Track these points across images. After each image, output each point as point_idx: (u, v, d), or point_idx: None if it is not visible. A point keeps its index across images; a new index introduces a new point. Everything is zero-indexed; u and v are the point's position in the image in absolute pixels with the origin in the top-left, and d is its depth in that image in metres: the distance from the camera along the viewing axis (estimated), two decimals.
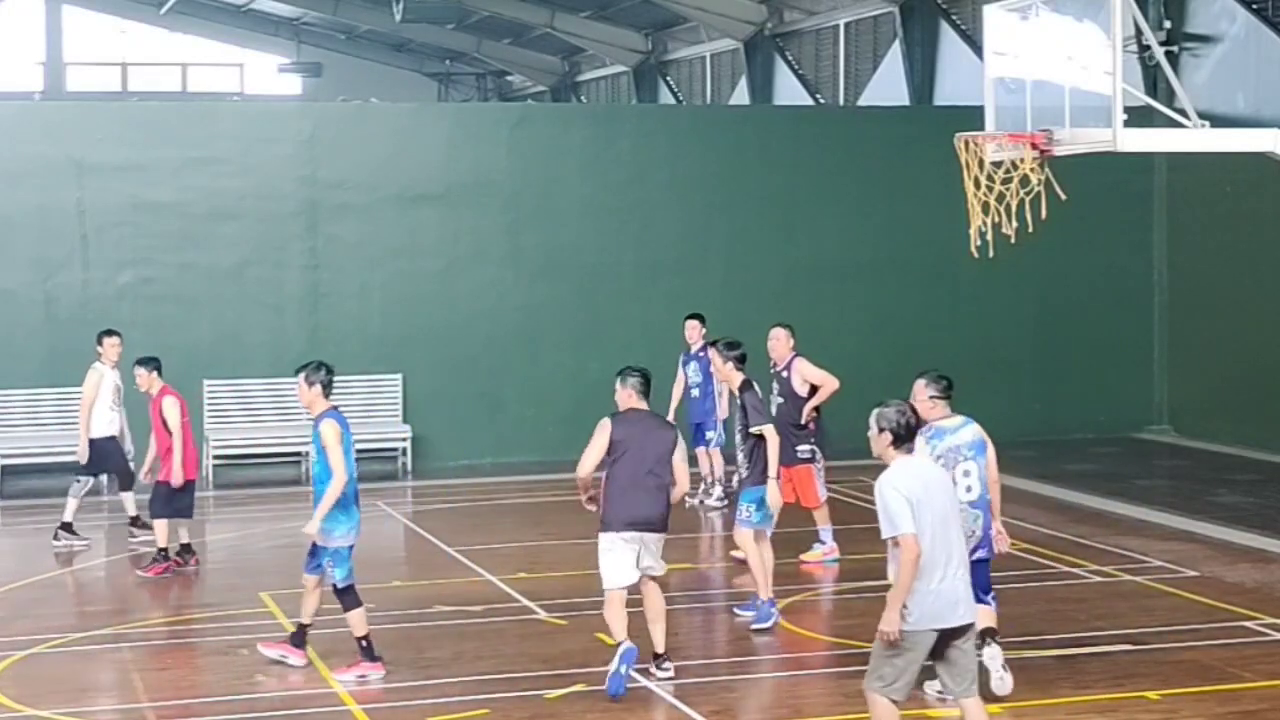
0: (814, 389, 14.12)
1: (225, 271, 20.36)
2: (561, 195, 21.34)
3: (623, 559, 10.71)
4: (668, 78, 38.98)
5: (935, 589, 8.30)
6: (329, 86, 44.10)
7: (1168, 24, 21.56)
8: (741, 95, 33.97)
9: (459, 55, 46.88)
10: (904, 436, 8.56)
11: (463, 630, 12.36)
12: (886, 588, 8.44)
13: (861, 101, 29.64)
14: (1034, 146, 12.58)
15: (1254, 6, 20.96)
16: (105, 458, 16.11)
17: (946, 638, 8.36)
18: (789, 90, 32.40)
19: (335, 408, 11.28)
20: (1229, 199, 21.06)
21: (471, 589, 13.75)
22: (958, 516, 8.61)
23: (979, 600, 10.71)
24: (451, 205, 21.02)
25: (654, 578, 10.93)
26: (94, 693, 10.88)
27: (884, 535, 8.36)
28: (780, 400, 14.15)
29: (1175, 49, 21.43)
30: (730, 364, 12.65)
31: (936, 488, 8.50)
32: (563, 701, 10.43)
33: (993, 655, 10.41)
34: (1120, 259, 22.52)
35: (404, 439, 20.18)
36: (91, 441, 15.93)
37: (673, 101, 38.25)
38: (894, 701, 8.35)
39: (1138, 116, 12.97)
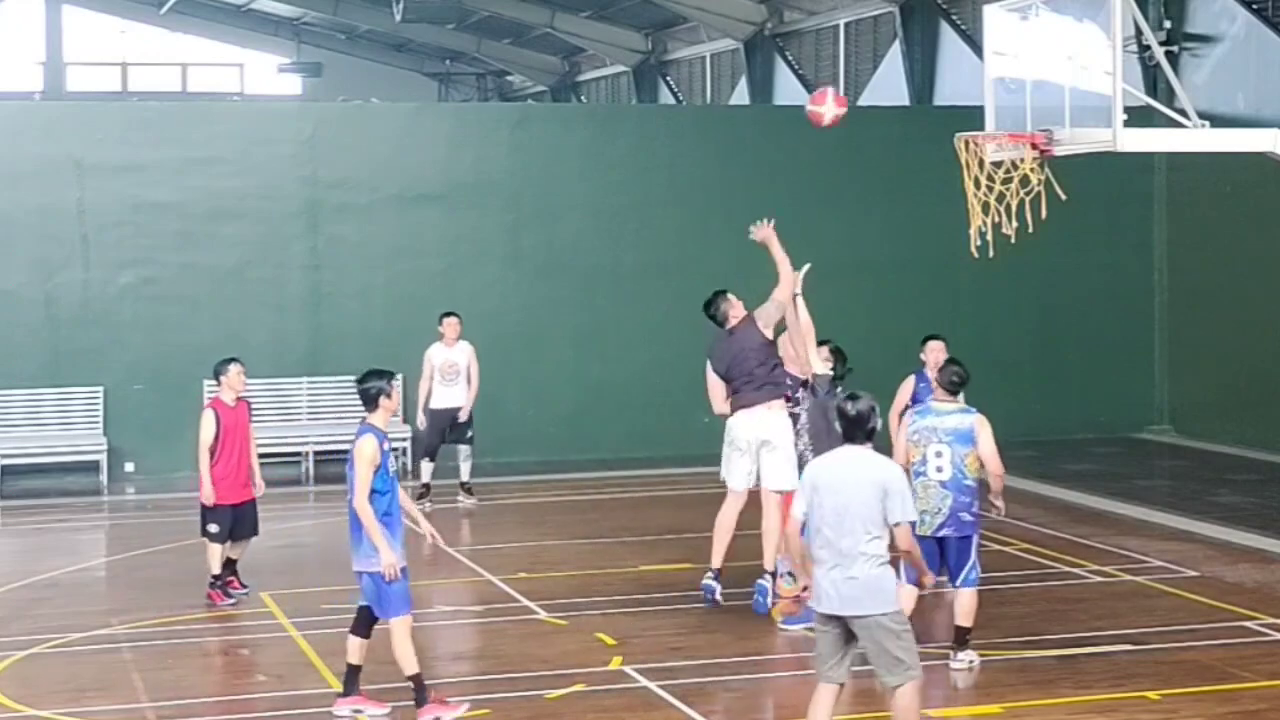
0: None
1: (226, 272, 20.37)
2: (562, 195, 21.38)
3: None
4: (668, 78, 39.06)
5: (817, 577, 8.70)
6: (329, 86, 44.13)
7: (1168, 24, 21.59)
8: (741, 95, 34.04)
9: (459, 55, 46.94)
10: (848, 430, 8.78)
11: (462, 630, 12.44)
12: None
13: (861, 101, 29.59)
14: (1034, 146, 12.58)
15: (1254, 6, 21.00)
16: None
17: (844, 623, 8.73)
18: (789, 90, 32.45)
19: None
20: (1229, 199, 21.08)
21: (472, 589, 13.80)
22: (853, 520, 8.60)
23: (951, 583, 11.02)
24: (452, 205, 21.05)
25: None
26: (94, 693, 10.82)
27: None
28: None
29: (1175, 49, 21.46)
30: None
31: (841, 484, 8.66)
32: (563, 701, 10.45)
33: (960, 662, 10.82)
34: (1120, 259, 22.54)
35: (404, 439, 20.13)
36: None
37: (673, 101, 38.32)
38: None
39: (1138, 116, 12.99)
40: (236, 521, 13.48)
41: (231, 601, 13.28)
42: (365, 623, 10.29)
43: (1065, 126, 12.53)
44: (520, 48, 43.78)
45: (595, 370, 21.29)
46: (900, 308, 21.84)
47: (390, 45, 47.61)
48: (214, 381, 20.54)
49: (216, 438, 13.33)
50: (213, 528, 13.36)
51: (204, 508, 13.43)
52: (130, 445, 19.87)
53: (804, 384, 12.39)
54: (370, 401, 10.17)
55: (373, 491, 9.99)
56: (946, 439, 11.02)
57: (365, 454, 9.90)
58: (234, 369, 13.50)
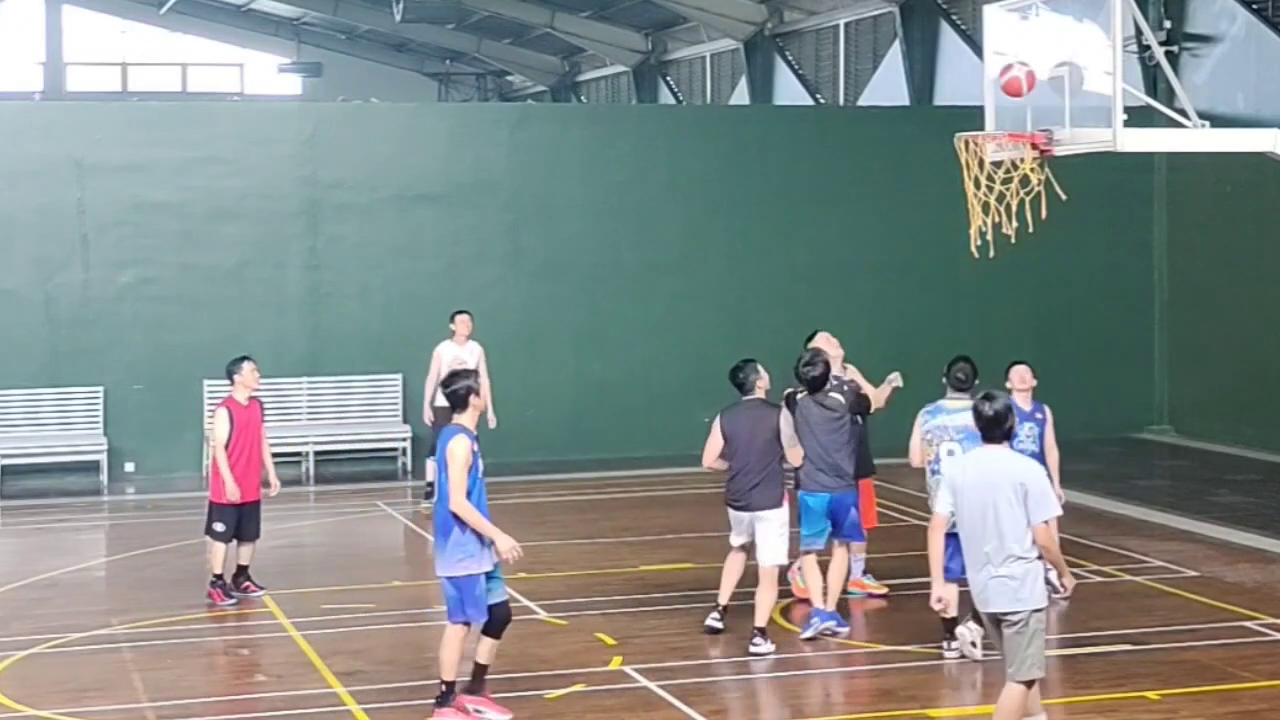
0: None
1: (226, 271, 20.41)
2: (562, 195, 21.40)
3: None
4: (668, 78, 39.07)
5: (969, 576, 8.86)
6: (329, 86, 44.14)
7: (1168, 24, 21.62)
8: (741, 95, 34.04)
9: (459, 55, 46.95)
10: None
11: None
12: (896, 588, 8.54)
13: (861, 101, 29.71)
14: (1034, 146, 12.56)
15: (1254, 6, 21.03)
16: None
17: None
18: (789, 90, 32.46)
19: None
20: (1229, 199, 21.10)
21: None
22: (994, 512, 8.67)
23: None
24: (452, 205, 21.08)
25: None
26: (94, 693, 10.84)
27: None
28: None
29: (1175, 49, 21.49)
30: None
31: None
32: (563, 701, 10.46)
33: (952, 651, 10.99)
34: (1120, 259, 22.58)
35: (404, 439, 20.26)
36: None
37: (673, 101, 38.34)
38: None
39: (1138, 116, 12.97)
40: (242, 521, 13.37)
41: (232, 602, 13.20)
42: (498, 623, 10.15)
43: (1065, 126, 12.50)
44: (520, 48, 43.81)
45: (595, 370, 21.31)
46: (900, 307, 21.92)
47: (390, 45, 47.63)
48: (221, 381, 20.56)
49: (230, 436, 13.25)
50: (219, 526, 13.27)
51: (213, 505, 13.35)
52: (130, 445, 19.90)
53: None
54: (460, 403, 10.08)
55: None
56: (957, 437, 11.12)
57: (458, 456, 9.83)
58: (247, 367, 13.49)
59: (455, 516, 9.80)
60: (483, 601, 9.93)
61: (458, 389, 10.08)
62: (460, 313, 17.51)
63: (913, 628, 11.85)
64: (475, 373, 10.51)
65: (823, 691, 10.83)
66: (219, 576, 13.27)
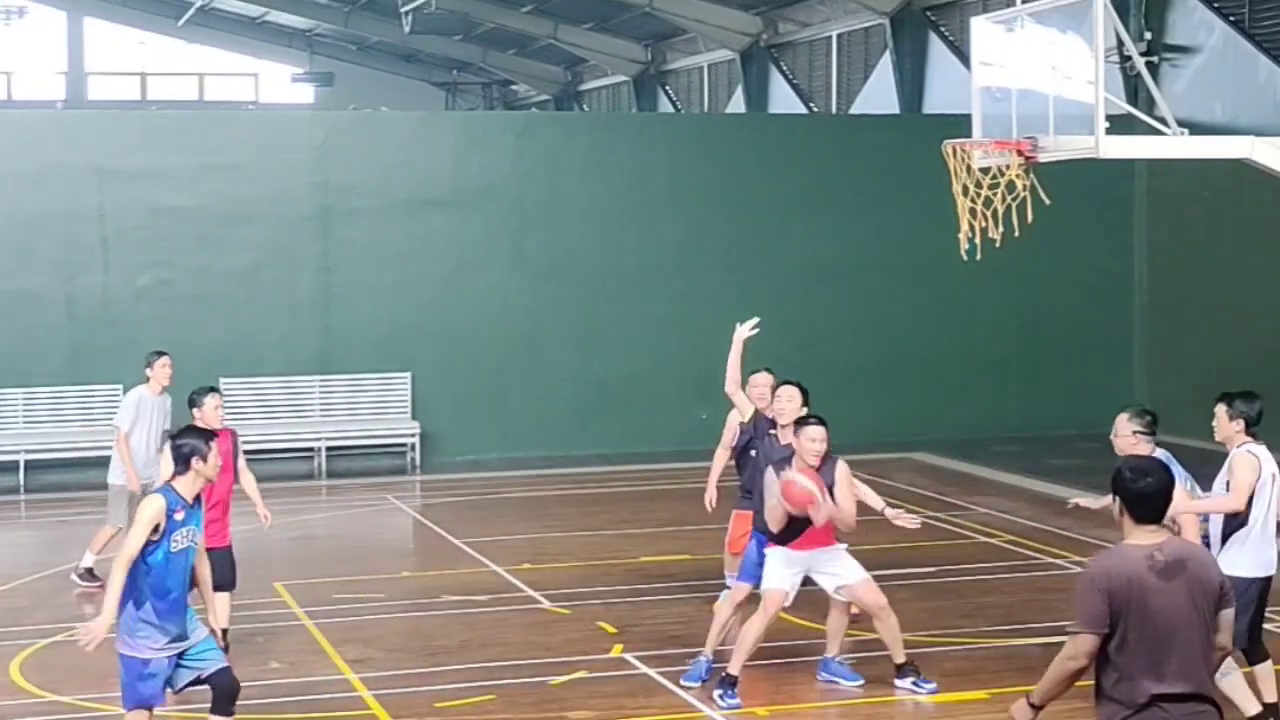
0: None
1: (240, 274, 20.53)
2: (565, 200, 21.50)
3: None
4: (666, 87, 38.92)
5: None
6: (340, 95, 43.99)
7: (1148, 35, 21.65)
8: (738, 104, 33.94)
9: (466, 65, 46.73)
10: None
11: (469, 619, 12.45)
12: (885, 579, 8.26)
13: (853, 110, 29.63)
14: (1019, 153, 12.46)
15: (1231, 19, 21.10)
16: None
17: None
18: (783, 99, 32.44)
19: None
20: (1207, 204, 21.17)
21: (478, 579, 13.80)
22: None
23: None
24: (459, 210, 21.18)
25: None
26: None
27: None
28: None
29: (1155, 59, 21.51)
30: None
31: None
32: (565, 687, 10.57)
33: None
34: (1102, 262, 22.66)
35: (413, 435, 20.40)
36: None
37: (671, 110, 38.20)
38: None
39: (1119, 124, 12.82)
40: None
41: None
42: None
43: (1049, 134, 12.42)
44: (525, 58, 43.58)
45: (597, 368, 21.40)
46: (891, 307, 22.00)
47: (400, 56, 47.40)
48: (237, 379, 19.78)
49: None
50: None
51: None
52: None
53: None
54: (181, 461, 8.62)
55: None
56: None
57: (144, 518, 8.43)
58: (210, 401, 11.37)
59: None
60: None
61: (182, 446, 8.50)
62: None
63: (902, 617, 11.69)
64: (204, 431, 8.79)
65: (816, 678, 10.77)
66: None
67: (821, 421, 10.24)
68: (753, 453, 11.27)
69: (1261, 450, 9.44)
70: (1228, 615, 6.11)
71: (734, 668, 10.29)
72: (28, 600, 13.45)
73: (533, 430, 21.11)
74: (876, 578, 11.68)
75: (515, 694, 10.47)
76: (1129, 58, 19.06)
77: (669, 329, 21.58)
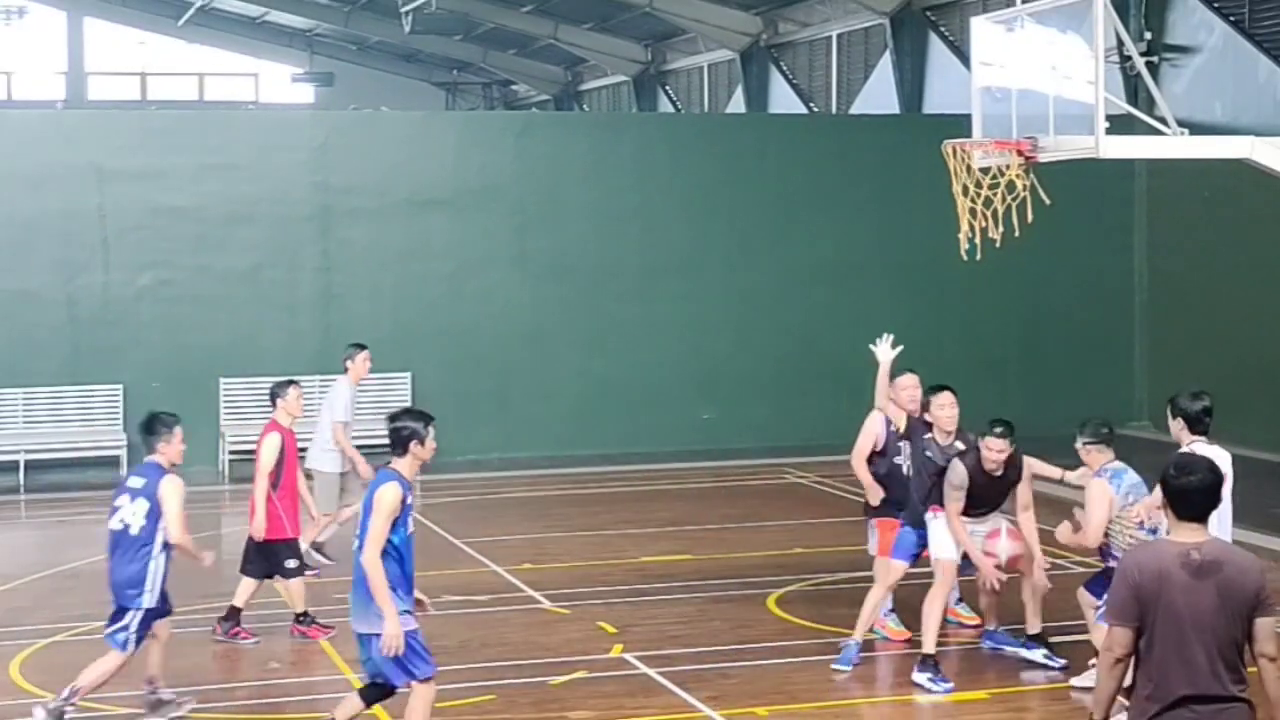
0: None
1: (241, 274, 20.56)
2: (566, 200, 21.54)
3: None
4: (667, 87, 38.97)
5: None
6: (341, 95, 44.03)
7: (1148, 35, 21.68)
8: (738, 104, 33.98)
9: (466, 65, 46.78)
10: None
11: (470, 619, 12.48)
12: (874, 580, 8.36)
13: (853, 110, 29.65)
14: (1019, 153, 12.52)
15: (1231, 19, 21.12)
16: None
17: None
18: (783, 99, 32.47)
19: None
20: (1207, 204, 21.18)
21: (479, 579, 13.86)
22: None
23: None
24: (459, 210, 21.21)
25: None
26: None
27: None
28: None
29: (1155, 59, 21.54)
30: None
31: None
32: (565, 687, 10.62)
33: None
34: (1102, 261, 22.70)
35: None
36: None
37: (672, 110, 38.26)
38: None
39: (1119, 124, 12.85)
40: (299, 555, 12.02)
41: (332, 634, 11.77)
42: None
43: (1049, 134, 12.47)
44: (525, 58, 43.63)
45: (598, 368, 21.42)
46: (892, 309, 21.97)
47: (400, 56, 47.44)
48: (237, 378, 19.83)
49: (280, 464, 11.96)
50: (291, 563, 11.95)
51: (276, 542, 11.93)
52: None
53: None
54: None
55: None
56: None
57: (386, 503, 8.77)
58: (293, 392, 12.24)
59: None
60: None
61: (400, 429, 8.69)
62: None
63: (904, 616, 11.90)
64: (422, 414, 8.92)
65: (816, 678, 10.84)
66: (304, 614, 11.96)
67: (949, 388, 11.01)
68: (896, 460, 11.57)
69: (1207, 449, 9.49)
70: (1266, 623, 6.06)
71: (929, 646, 10.63)
72: (28, 600, 13.50)
73: (534, 430, 21.13)
74: (873, 578, 11.68)
75: (515, 694, 10.50)
76: (1129, 58, 19.08)
77: (670, 329, 21.62)
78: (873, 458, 11.81)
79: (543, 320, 21.38)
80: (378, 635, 8.54)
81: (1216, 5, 21.39)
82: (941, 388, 11.27)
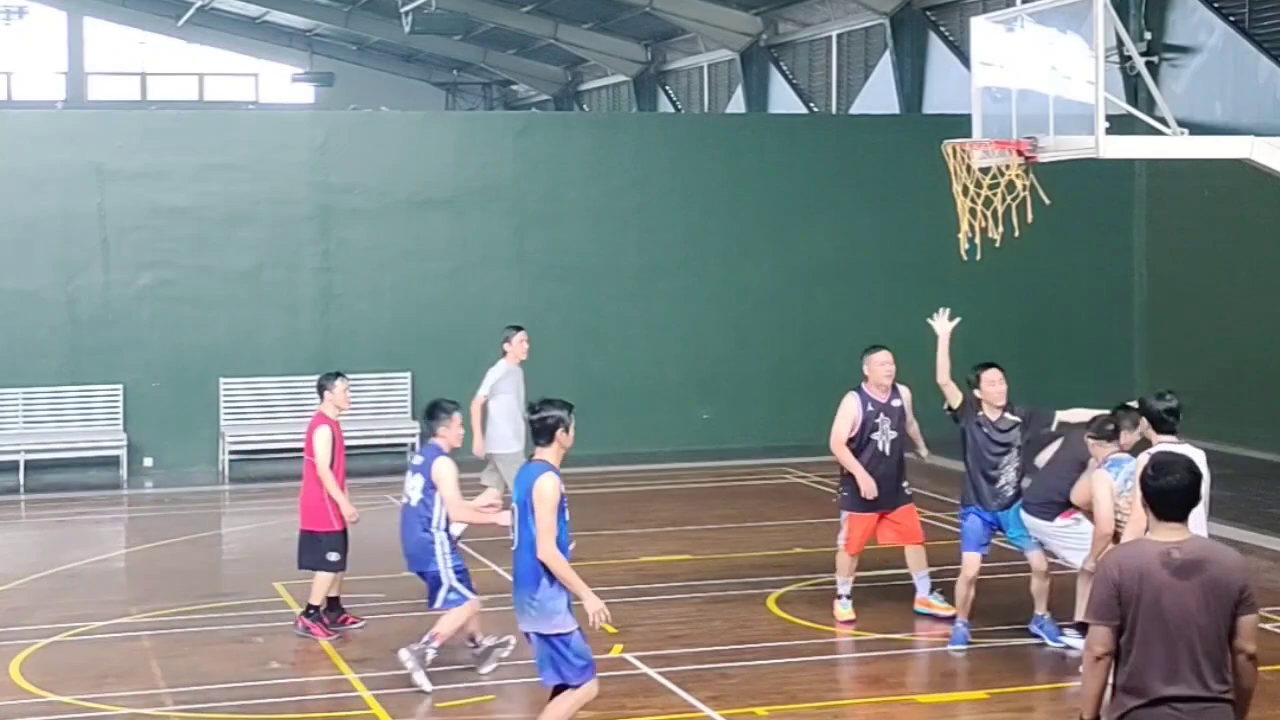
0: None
1: (241, 274, 20.59)
2: (565, 200, 21.57)
3: None
4: (666, 87, 39.04)
5: None
6: (341, 95, 44.09)
7: (1148, 35, 21.73)
8: (738, 104, 34.06)
9: (466, 65, 46.85)
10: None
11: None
12: (877, 578, 8.44)
13: (853, 110, 29.72)
14: (1019, 153, 12.53)
15: (1231, 19, 21.17)
16: None
17: None
18: (783, 99, 32.54)
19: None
20: (1207, 204, 21.23)
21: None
22: None
23: None
24: (459, 210, 21.25)
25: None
26: (114, 679, 10.95)
27: None
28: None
29: (1155, 59, 21.60)
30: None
31: None
32: None
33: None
34: (1102, 261, 22.75)
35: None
36: None
37: (672, 110, 38.33)
38: None
39: (1119, 124, 12.90)
40: (348, 546, 12.17)
41: (335, 636, 12.06)
42: None
43: (1049, 134, 12.48)
44: (525, 58, 43.71)
45: (598, 368, 21.44)
46: (891, 308, 21.91)
47: (400, 56, 47.53)
48: (238, 379, 20.01)
49: (332, 455, 12.07)
50: (333, 556, 12.07)
51: (321, 535, 12.07)
52: (149, 441, 20.09)
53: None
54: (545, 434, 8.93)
55: None
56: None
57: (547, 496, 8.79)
58: (340, 384, 12.31)
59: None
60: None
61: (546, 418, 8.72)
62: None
63: (901, 616, 12.04)
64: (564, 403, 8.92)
65: (816, 678, 10.91)
66: (315, 608, 12.11)
67: (996, 365, 11.59)
68: (874, 436, 12.09)
69: (1177, 448, 9.37)
70: (1248, 621, 6.08)
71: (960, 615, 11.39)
72: (28, 600, 13.52)
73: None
74: (876, 577, 11.81)
75: (514, 692, 10.55)
76: (1129, 58, 19.14)
77: (669, 329, 21.67)
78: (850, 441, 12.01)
79: (542, 320, 21.06)
80: (557, 636, 8.66)
81: (1216, 5, 21.43)
82: (988, 365, 11.68)
